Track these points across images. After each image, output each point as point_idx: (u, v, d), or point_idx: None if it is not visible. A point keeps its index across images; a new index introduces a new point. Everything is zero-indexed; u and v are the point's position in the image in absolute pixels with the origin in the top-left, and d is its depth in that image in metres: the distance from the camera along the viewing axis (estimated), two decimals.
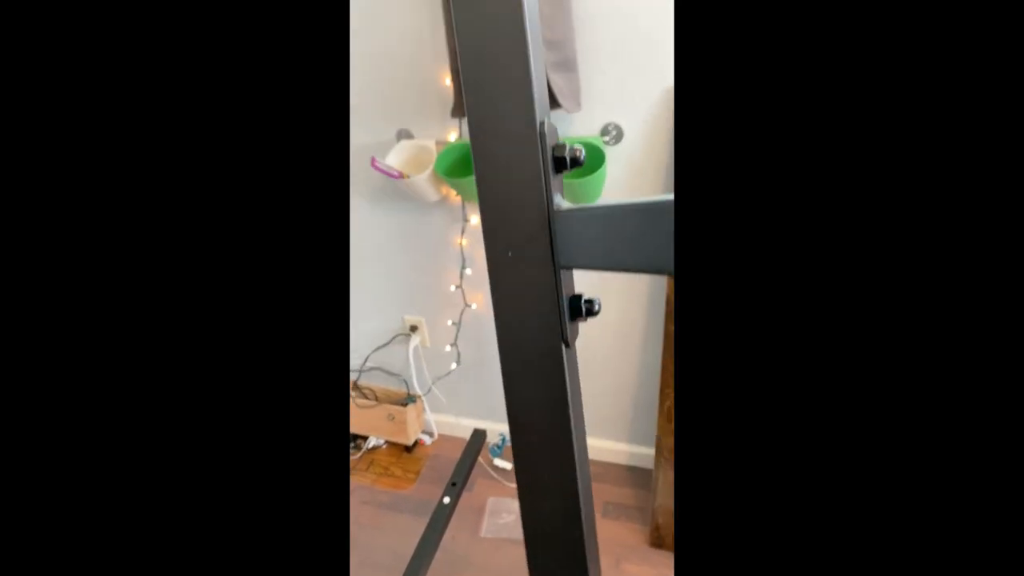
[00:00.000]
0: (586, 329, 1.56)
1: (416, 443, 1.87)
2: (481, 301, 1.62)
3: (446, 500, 0.68)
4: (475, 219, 1.49)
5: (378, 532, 1.56)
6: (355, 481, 1.76)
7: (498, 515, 1.56)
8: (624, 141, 1.28)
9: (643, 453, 1.70)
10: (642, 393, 1.64)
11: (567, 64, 1.21)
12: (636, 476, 1.69)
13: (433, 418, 1.91)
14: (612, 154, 1.29)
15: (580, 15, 1.18)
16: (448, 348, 1.74)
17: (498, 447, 1.79)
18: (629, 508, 1.59)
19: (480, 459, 1.71)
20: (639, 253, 0.37)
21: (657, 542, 1.45)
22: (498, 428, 1.82)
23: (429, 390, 1.84)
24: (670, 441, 1.33)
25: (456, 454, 1.85)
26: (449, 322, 1.68)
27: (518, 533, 1.51)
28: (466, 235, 1.51)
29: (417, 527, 1.59)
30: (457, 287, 1.59)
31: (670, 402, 1.31)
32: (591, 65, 1.23)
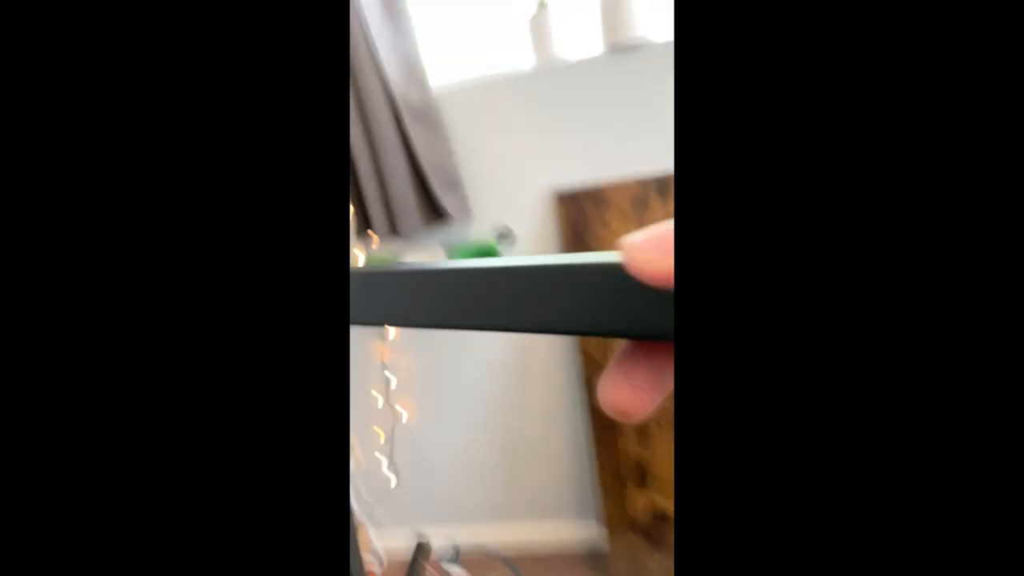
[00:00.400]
0: (511, 414, 1.61)
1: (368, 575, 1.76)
2: (411, 409, 1.64)
3: None
4: (393, 329, 1.55)
5: None
6: None
7: None
8: (518, 242, 1.44)
9: (592, 531, 1.71)
10: (577, 465, 1.68)
11: (453, 183, 1.38)
12: (590, 561, 1.69)
13: (381, 545, 1.82)
14: (508, 253, 1.44)
15: (461, 136, 1.37)
16: (385, 466, 1.71)
17: (452, 556, 1.73)
18: None
19: (430, 568, 1.64)
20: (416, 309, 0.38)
21: None
22: (453, 533, 1.77)
23: (371, 514, 1.76)
24: (615, 510, 1.38)
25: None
26: (382, 439, 1.67)
27: None
28: (387, 345, 1.56)
29: None
30: (385, 402, 1.61)
31: (607, 474, 1.37)
32: (480, 177, 1.41)
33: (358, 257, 1.46)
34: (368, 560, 1.78)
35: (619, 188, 1.36)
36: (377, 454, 1.69)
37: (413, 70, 1.40)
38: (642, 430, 1.31)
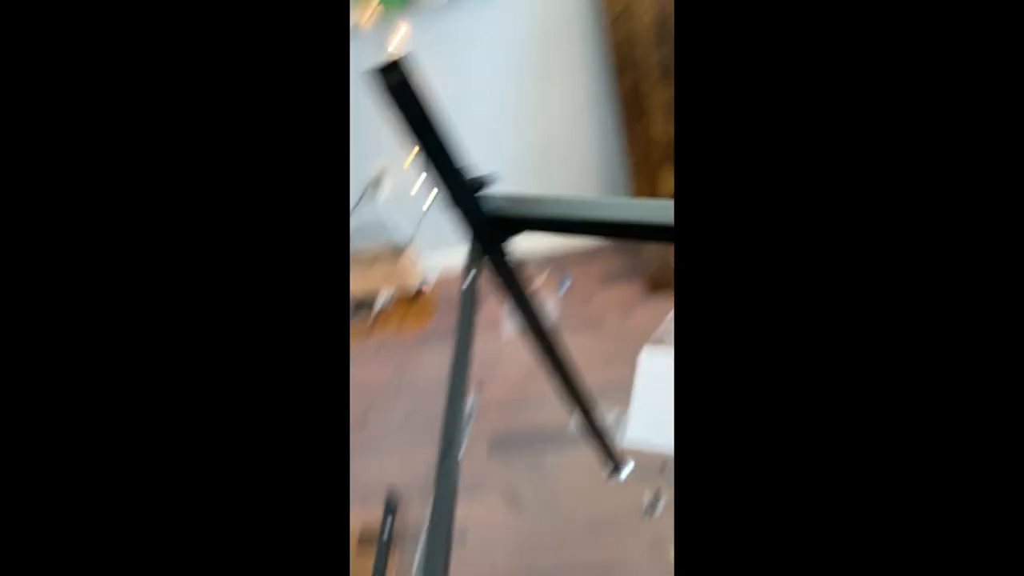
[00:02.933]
0: None
1: (420, 291, 1.98)
2: None
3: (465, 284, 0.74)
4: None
5: (419, 368, 1.74)
6: (379, 336, 1.90)
7: (513, 316, 1.72)
8: None
9: None
10: (607, 154, 1.69)
11: None
12: (624, 244, 1.83)
13: (429, 259, 1.99)
14: None
15: None
16: (416, 187, 1.75)
17: None
18: (624, 271, 1.75)
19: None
20: None
21: (656, 287, 1.62)
22: None
23: (415, 234, 1.89)
24: (647, 192, 1.42)
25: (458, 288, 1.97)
26: (407, 162, 1.67)
27: None
28: None
29: (449, 349, 1.76)
30: None
31: (638, 159, 1.36)
32: None
33: None
34: (419, 278, 1.98)
35: None
36: (409, 179, 1.72)
37: None
38: (671, 115, 1.24)
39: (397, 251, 1.87)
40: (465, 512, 1.27)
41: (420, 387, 1.67)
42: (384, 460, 1.52)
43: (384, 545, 1.31)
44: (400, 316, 1.95)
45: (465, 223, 0.55)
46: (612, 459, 1.13)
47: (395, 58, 0.42)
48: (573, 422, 1.41)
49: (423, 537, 1.34)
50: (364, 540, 1.37)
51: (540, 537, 1.25)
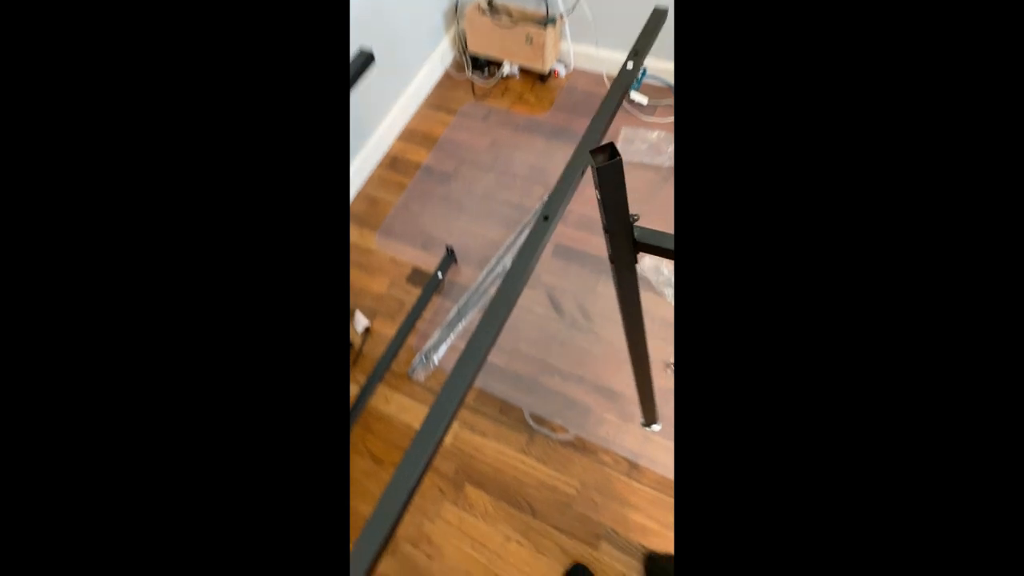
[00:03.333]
0: None
1: (551, 73, 1.84)
2: None
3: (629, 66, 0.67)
4: None
5: (516, 150, 1.70)
6: (491, 104, 1.83)
7: (631, 142, 1.62)
8: None
9: None
10: None
11: None
12: None
13: (572, 48, 1.82)
14: None
15: None
16: None
17: (637, 80, 1.73)
18: None
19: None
20: None
21: None
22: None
23: (574, 7, 1.69)
24: None
25: (591, 87, 1.82)
26: None
27: (648, 159, 1.59)
28: None
29: (552, 149, 1.70)
30: None
31: None
32: None
33: None
34: (555, 60, 1.82)
35: None
36: None
37: None
38: None
39: (545, 22, 1.69)
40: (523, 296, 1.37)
41: (510, 170, 1.66)
42: (452, 219, 1.58)
43: (434, 285, 1.44)
44: (520, 91, 1.85)
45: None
46: (650, 414, 1.18)
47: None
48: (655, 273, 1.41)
49: (470, 294, 1.46)
50: (412, 280, 1.51)
51: (564, 345, 1.34)
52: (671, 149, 1.59)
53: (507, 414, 1.28)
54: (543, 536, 1.13)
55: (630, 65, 0.75)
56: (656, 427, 1.19)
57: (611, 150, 0.48)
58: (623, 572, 1.08)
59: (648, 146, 1.60)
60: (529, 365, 1.33)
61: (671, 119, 1.68)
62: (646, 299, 1.39)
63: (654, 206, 1.50)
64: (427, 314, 1.43)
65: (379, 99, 1.72)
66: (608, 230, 0.57)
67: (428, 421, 0.49)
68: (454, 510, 1.19)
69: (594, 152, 0.48)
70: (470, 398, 1.31)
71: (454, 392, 0.51)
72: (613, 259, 0.63)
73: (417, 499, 1.22)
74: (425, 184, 1.68)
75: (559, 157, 1.65)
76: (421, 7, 1.76)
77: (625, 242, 0.59)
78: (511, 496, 1.18)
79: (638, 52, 0.76)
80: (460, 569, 1.13)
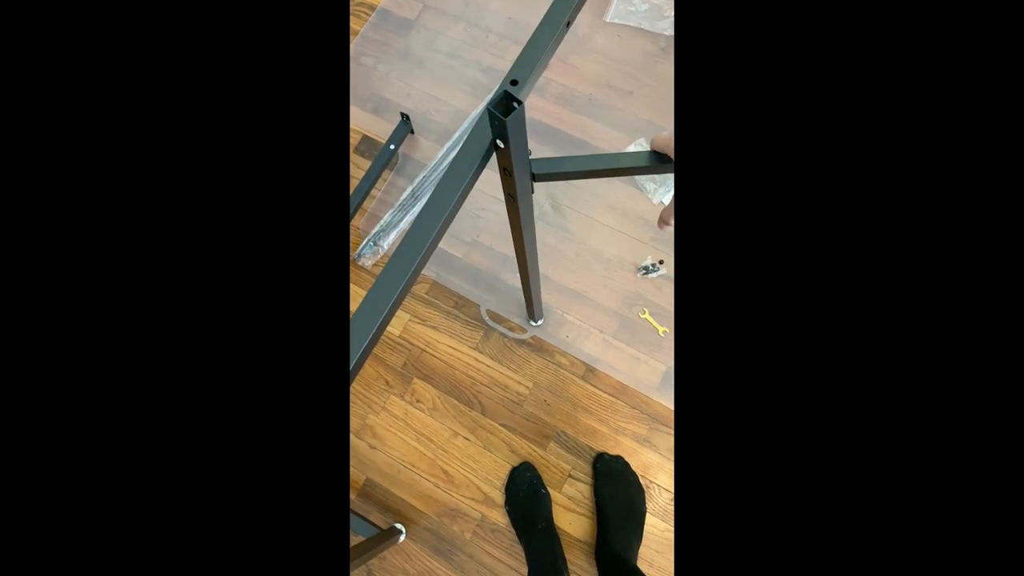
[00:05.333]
0: None
1: None
2: None
3: None
4: None
5: (487, 8, 1.42)
6: None
7: (630, 2, 1.36)
8: None
9: None
10: None
11: None
12: None
13: None
14: None
15: None
16: None
17: None
18: None
19: None
20: None
21: None
22: None
23: None
24: None
25: None
26: None
27: (647, 23, 1.35)
28: None
29: None
30: None
31: None
32: None
33: None
34: None
35: None
36: None
37: None
38: None
39: None
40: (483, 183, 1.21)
41: (483, 22, 1.39)
42: (410, 78, 1.35)
43: (386, 158, 1.25)
44: None
45: None
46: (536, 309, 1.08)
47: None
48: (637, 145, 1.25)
49: (428, 171, 1.28)
50: (360, 150, 1.30)
51: (539, 239, 1.22)
52: (674, 13, 1.34)
53: (462, 309, 1.18)
54: (491, 433, 1.11)
55: None
56: (540, 322, 1.14)
57: (509, 99, 0.42)
58: (569, 471, 1.08)
59: (648, 7, 1.35)
60: (489, 259, 1.21)
61: None
62: (622, 190, 1.26)
63: (641, 83, 1.30)
64: (377, 192, 1.26)
65: None
66: (509, 172, 0.50)
67: (360, 312, 0.42)
68: (400, 403, 1.14)
69: (494, 104, 0.41)
70: (422, 290, 1.20)
71: (393, 280, 0.43)
72: (511, 195, 0.56)
73: (361, 390, 1.16)
74: (380, 32, 1.40)
75: (544, 7, 1.39)
76: None
77: (525, 178, 0.53)
78: (461, 392, 1.13)
79: None
80: (404, 460, 1.11)
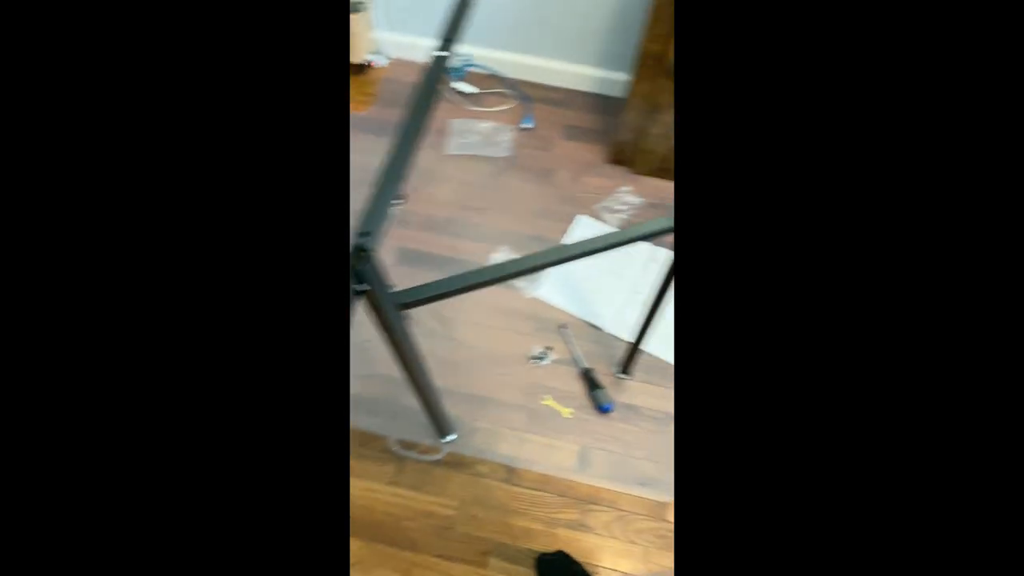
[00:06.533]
0: None
1: (367, 64, 1.70)
2: None
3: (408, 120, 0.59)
4: None
5: None
6: None
7: (463, 135, 1.56)
8: None
9: (611, 79, 1.64)
10: (624, 14, 1.47)
11: None
12: (601, 102, 1.68)
13: (390, 37, 1.69)
14: None
15: None
16: None
17: (459, 70, 1.67)
18: (590, 131, 1.63)
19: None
20: None
21: (617, 160, 1.53)
22: (460, 50, 1.65)
23: (387, 17, 1.56)
24: (652, 59, 1.26)
25: (412, 78, 1.72)
26: None
27: (482, 151, 1.54)
28: None
29: (380, 146, 1.58)
30: None
31: (662, 27, 1.17)
32: None
33: None
34: (368, 52, 1.69)
35: None
36: None
37: None
38: None
39: (353, 6, 1.54)
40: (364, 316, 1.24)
41: None
42: None
43: None
44: None
45: None
46: (444, 427, 1.13)
47: None
48: (496, 257, 1.37)
49: None
50: None
51: (429, 357, 1.25)
52: (504, 138, 1.56)
53: (369, 446, 1.15)
54: (428, 569, 1.04)
55: (440, 53, 0.67)
56: (451, 437, 1.15)
57: (361, 250, 0.49)
58: None
59: (480, 137, 1.56)
60: (386, 387, 1.21)
61: (501, 108, 1.65)
62: (498, 292, 1.36)
63: (491, 200, 1.46)
64: None
65: None
66: (377, 308, 0.59)
67: None
68: None
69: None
70: None
71: None
72: (385, 328, 0.65)
73: None
74: None
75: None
76: None
77: (392, 311, 0.62)
78: (386, 535, 1.07)
79: (448, 40, 0.69)
80: None
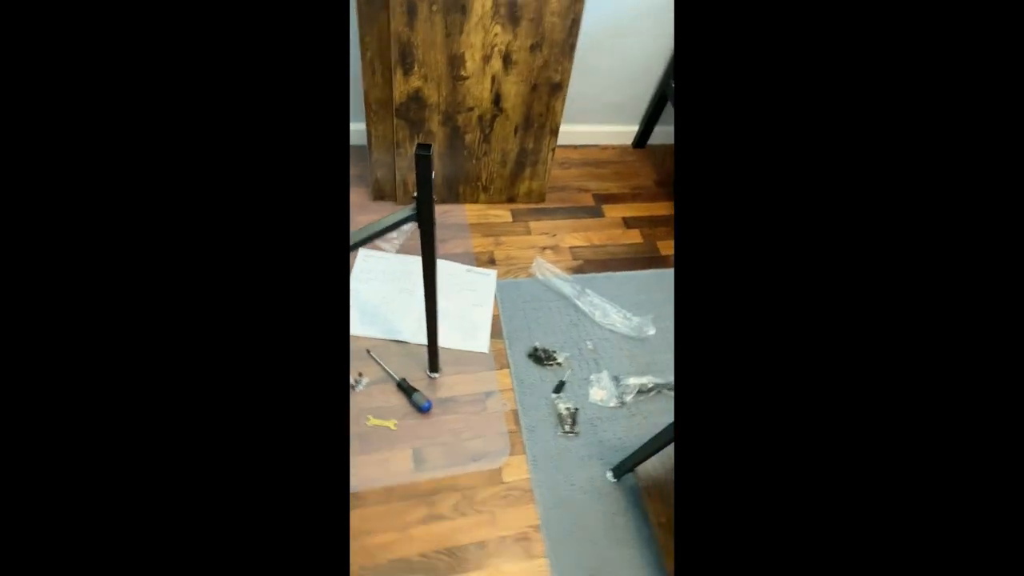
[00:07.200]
0: None
1: None
2: None
3: None
4: None
5: None
6: None
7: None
8: None
9: (354, 130, 1.79)
10: None
11: None
12: (352, 152, 1.82)
13: None
14: None
15: None
16: None
17: None
18: (351, 178, 1.75)
19: None
20: None
21: (379, 196, 1.68)
22: None
23: None
24: (382, 96, 1.44)
25: None
26: None
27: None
28: None
29: None
30: None
31: (375, 60, 1.37)
32: None
33: None
34: None
35: None
36: None
37: None
38: (407, 16, 1.29)
39: None
40: None
41: None
42: None
43: None
44: None
45: None
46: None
47: None
48: None
49: None
50: None
51: None
52: None
53: None
54: None
55: None
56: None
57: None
58: None
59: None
60: None
61: None
62: None
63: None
64: None
65: None
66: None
67: None
68: None
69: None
70: None
71: None
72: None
73: None
74: None
75: None
76: None
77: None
78: None
79: None
80: None
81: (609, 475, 1.24)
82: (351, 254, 1.52)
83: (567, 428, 1.29)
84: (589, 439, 1.30)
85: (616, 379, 1.40)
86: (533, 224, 1.74)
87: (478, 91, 1.46)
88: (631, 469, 1.20)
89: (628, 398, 1.36)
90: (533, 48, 1.41)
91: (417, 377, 1.32)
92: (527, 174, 1.71)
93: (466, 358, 1.38)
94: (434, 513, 1.15)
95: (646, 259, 1.72)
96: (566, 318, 1.51)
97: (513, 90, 1.48)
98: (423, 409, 1.27)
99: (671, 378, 1.46)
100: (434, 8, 1.28)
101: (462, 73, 1.41)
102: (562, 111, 1.57)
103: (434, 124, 1.50)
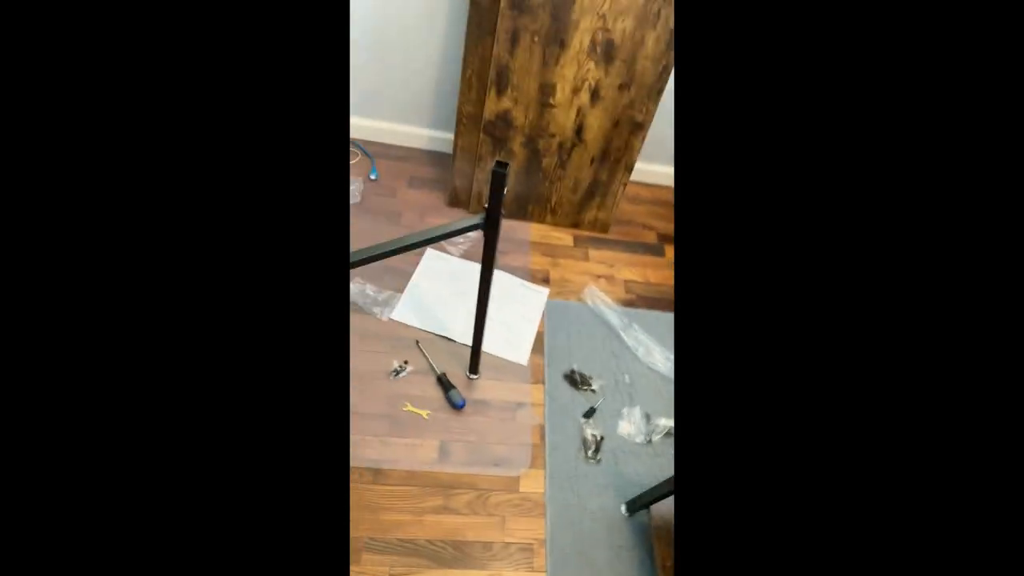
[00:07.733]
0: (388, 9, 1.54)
1: None
2: None
3: None
4: None
5: None
6: None
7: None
8: None
9: (442, 138, 1.92)
10: (444, 80, 1.77)
11: None
12: (436, 157, 1.95)
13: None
14: None
15: None
16: None
17: None
18: (430, 180, 1.87)
19: None
20: None
21: (454, 203, 1.79)
22: None
23: None
24: (472, 111, 1.55)
25: None
26: None
27: None
28: None
29: None
30: None
31: (471, 88, 1.48)
32: None
33: None
34: None
35: None
36: None
37: None
38: (510, 42, 1.39)
39: None
40: None
41: None
42: None
43: None
44: None
45: None
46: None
47: None
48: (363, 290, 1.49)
49: None
50: None
51: None
52: (353, 188, 1.73)
53: None
54: None
55: None
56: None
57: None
58: (388, 571, 1.11)
59: None
60: None
61: (350, 161, 1.83)
62: (355, 317, 1.48)
63: None
64: None
65: None
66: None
67: None
68: None
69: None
70: None
71: None
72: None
73: None
74: None
75: None
76: None
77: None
78: None
79: None
80: None
81: (623, 508, 1.25)
82: (418, 251, 1.62)
83: (590, 454, 1.31)
84: (609, 469, 1.31)
85: (647, 416, 1.41)
86: (592, 252, 1.78)
87: (563, 119, 1.54)
88: (646, 506, 1.21)
89: (656, 437, 1.37)
90: (622, 87, 1.47)
91: (457, 375, 1.40)
92: (595, 203, 1.76)
93: (505, 367, 1.44)
94: (449, 505, 1.21)
95: None
96: (608, 348, 1.54)
97: (596, 123, 1.55)
98: (457, 406, 1.33)
99: None
100: (536, 39, 1.38)
101: (551, 101, 1.50)
102: (640, 149, 1.62)
103: (516, 144, 1.60)
